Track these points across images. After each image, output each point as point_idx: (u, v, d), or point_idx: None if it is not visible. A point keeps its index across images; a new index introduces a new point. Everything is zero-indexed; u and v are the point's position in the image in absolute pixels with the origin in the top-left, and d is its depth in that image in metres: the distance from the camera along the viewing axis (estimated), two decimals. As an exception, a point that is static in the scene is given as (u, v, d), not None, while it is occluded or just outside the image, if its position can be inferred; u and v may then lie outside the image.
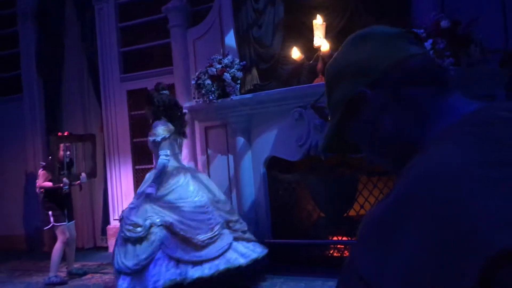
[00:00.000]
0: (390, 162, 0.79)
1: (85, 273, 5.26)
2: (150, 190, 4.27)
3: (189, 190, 4.34)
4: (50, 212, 5.08)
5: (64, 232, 5.08)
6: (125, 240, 4.18)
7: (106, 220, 6.67)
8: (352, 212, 5.00)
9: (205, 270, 4.02)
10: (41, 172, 5.16)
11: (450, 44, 4.00)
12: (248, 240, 4.44)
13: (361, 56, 0.79)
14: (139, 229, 4.14)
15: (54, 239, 5.58)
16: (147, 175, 4.52)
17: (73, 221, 5.34)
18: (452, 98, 0.73)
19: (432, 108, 0.72)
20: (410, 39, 0.80)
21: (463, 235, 0.51)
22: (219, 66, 5.06)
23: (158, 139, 4.39)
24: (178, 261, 4.06)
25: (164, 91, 4.59)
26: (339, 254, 4.88)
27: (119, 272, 4.10)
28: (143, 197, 4.30)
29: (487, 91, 4.01)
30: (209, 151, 5.60)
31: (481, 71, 4.02)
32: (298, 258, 5.03)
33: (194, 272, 3.99)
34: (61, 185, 5.06)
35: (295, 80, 4.99)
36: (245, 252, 4.29)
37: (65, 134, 5.35)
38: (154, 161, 4.60)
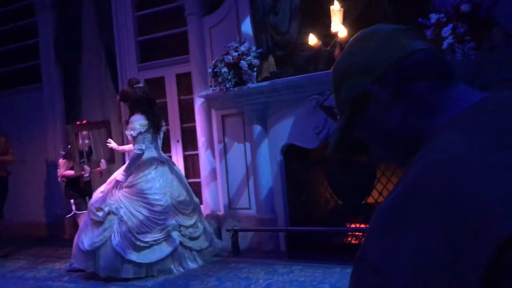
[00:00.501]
0: (397, 157, 0.80)
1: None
2: (120, 178, 4.65)
3: (155, 186, 4.65)
4: (72, 201, 5.18)
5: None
6: (91, 220, 4.64)
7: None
8: (370, 200, 4.97)
9: (139, 274, 4.45)
10: (61, 161, 5.24)
11: (470, 28, 3.91)
12: (191, 250, 4.71)
13: (365, 54, 0.80)
14: (99, 213, 4.57)
15: (75, 227, 5.67)
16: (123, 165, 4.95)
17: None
18: (456, 90, 0.74)
19: (436, 102, 0.73)
20: (413, 35, 0.81)
21: (470, 220, 0.51)
22: (235, 53, 5.05)
23: (135, 133, 4.68)
24: (121, 257, 4.43)
25: (138, 85, 4.84)
26: (357, 242, 4.87)
27: (78, 247, 4.59)
28: (113, 184, 4.70)
29: (510, 74, 3.92)
30: (226, 139, 5.61)
31: (504, 54, 3.93)
32: (316, 246, 5.04)
33: (128, 273, 4.42)
34: (83, 173, 5.13)
35: (312, 67, 4.95)
36: (182, 264, 4.61)
37: (84, 122, 5.41)
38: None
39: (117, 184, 4.65)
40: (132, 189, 4.62)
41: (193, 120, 5.92)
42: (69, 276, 4.89)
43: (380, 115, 0.79)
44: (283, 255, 4.84)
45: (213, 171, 5.71)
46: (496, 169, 0.54)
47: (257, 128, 5.23)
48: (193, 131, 6.02)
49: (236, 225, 5.30)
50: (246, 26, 5.37)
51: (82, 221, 5.15)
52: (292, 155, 5.13)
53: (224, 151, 5.60)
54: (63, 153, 5.41)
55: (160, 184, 4.67)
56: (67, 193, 5.25)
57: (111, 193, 4.64)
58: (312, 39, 4.73)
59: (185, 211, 4.77)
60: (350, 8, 4.72)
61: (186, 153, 6.23)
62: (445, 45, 3.97)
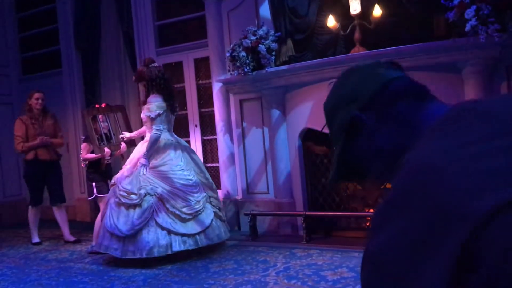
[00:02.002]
0: (390, 173, 0.87)
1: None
2: (143, 161, 4.64)
3: (179, 164, 4.70)
4: (93, 184, 5.25)
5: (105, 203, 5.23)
6: (118, 205, 4.56)
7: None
8: (389, 185, 4.93)
9: (189, 245, 4.45)
10: (83, 145, 5.31)
11: (495, 10, 3.81)
12: (221, 220, 4.82)
13: (350, 87, 0.93)
14: (133, 196, 4.50)
15: (97, 209, 5.78)
16: (138, 145, 4.97)
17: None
18: (432, 106, 0.85)
19: (415, 119, 0.84)
20: (389, 66, 0.95)
21: (443, 207, 0.59)
22: (253, 37, 5.01)
23: (153, 115, 4.67)
24: (169, 232, 4.42)
25: (153, 64, 4.82)
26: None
27: (111, 234, 4.49)
28: (138, 167, 4.66)
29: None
30: (244, 124, 5.60)
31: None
32: (334, 230, 5.04)
33: (180, 246, 4.41)
34: (104, 154, 5.18)
35: (331, 50, 4.89)
36: (217, 233, 4.66)
37: (103, 105, 5.45)
38: (147, 133, 4.87)
39: (143, 167, 4.66)
40: (159, 171, 4.65)
41: (211, 105, 5.93)
42: (90, 258, 4.99)
43: (370, 137, 0.89)
44: (301, 239, 4.86)
45: (231, 156, 5.72)
46: (461, 163, 0.61)
47: (276, 113, 5.21)
48: (211, 115, 6.03)
49: (254, 209, 5.33)
50: (265, 10, 5.33)
51: (103, 204, 5.23)
52: (310, 140, 5.11)
53: (242, 136, 5.60)
54: (83, 137, 5.48)
55: (183, 162, 4.74)
56: (89, 176, 5.33)
57: (139, 175, 4.63)
58: (331, 21, 4.67)
59: (211, 186, 4.90)
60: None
61: (204, 137, 6.25)
62: (468, 27, 3.88)
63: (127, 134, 5.17)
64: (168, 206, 4.50)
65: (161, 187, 4.56)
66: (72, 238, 5.71)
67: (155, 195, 4.52)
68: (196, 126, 6.25)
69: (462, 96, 4.13)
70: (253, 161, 5.54)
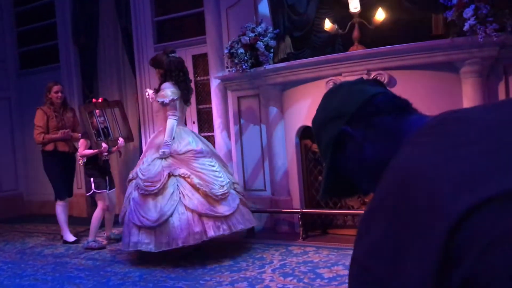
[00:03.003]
0: (375, 183, 0.89)
1: (122, 239, 5.43)
2: (165, 148, 4.43)
3: (200, 149, 4.51)
4: (91, 179, 5.22)
5: (104, 199, 5.23)
6: (144, 196, 4.34)
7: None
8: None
9: (223, 230, 4.26)
10: (80, 141, 5.29)
11: (493, 9, 3.81)
12: (246, 206, 4.69)
13: (336, 103, 0.98)
14: (157, 183, 4.30)
15: (94, 205, 5.76)
16: (151, 137, 4.86)
17: (114, 189, 5.49)
18: (413, 118, 0.90)
19: (398, 130, 0.88)
20: (372, 83, 1.01)
21: (419, 211, 0.62)
22: (252, 34, 5.00)
23: (167, 100, 4.51)
24: (200, 215, 4.22)
25: (173, 54, 4.71)
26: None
27: (140, 228, 4.26)
28: (156, 155, 4.47)
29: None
30: (242, 121, 5.60)
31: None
32: (330, 228, 5.05)
33: (215, 231, 4.22)
34: (102, 149, 5.15)
35: (330, 48, 4.89)
36: (248, 218, 4.54)
37: (100, 100, 5.42)
38: (159, 124, 4.75)
39: (163, 155, 4.43)
40: (180, 157, 4.44)
41: (209, 102, 5.92)
42: (86, 253, 4.99)
43: (356, 149, 0.93)
44: (298, 237, 4.87)
45: (229, 153, 5.72)
46: (439, 167, 0.64)
47: (273, 110, 5.21)
48: (209, 112, 6.03)
49: (251, 206, 5.33)
50: (263, 7, 5.32)
51: (101, 200, 5.22)
52: (308, 138, 5.11)
53: (240, 133, 5.60)
54: (79, 135, 5.44)
55: (203, 149, 4.56)
56: (87, 171, 5.31)
57: (160, 163, 4.43)
58: (328, 24, 4.66)
59: (230, 171, 4.80)
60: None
61: (202, 134, 6.24)
62: (466, 26, 3.88)
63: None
64: (195, 183, 4.29)
65: (184, 169, 4.37)
66: (72, 238, 5.51)
67: (178, 175, 4.32)
68: (193, 122, 6.24)
69: (459, 95, 4.14)
70: (250, 158, 5.54)
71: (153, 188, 4.30)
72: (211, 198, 4.29)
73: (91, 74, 7.09)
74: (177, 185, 4.31)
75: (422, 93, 4.12)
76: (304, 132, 5.11)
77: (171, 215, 4.19)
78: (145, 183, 4.35)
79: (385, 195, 0.71)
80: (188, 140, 4.54)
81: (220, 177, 4.46)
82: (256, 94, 5.43)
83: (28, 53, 7.84)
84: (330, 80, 4.67)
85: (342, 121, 0.94)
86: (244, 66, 5.02)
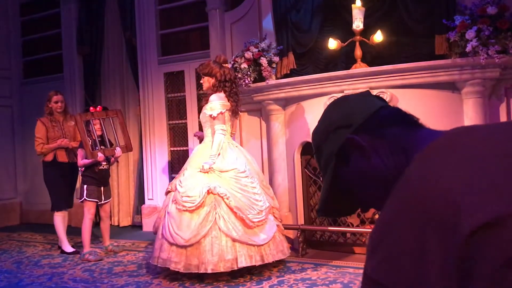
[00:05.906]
0: (383, 199, 0.87)
1: (120, 250, 5.40)
2: (208, 164, 4.21)
3: (243, 169, 4.29)
4: (85, 186, 5.20)
5: (90, 209, 5.19)
6: (180, 212, 4.12)
7: (141, 200, 6.80)
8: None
9: (255, 261, 4.05)
10: (78, 150, 5.28)
11: (496, 30, 3.84)
12: (282, 233, 4.45)
13: (341, 113, 0.95)
14: (196, 198, 4.09)
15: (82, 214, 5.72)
16: (195, 149, 4.62)
17: (109, 200, 5.46)
18: (423, 132, 0.88)
19: (408, 143, 0.86)
20: (376, 97, 0.99)
21: (435, 223, 0.62)
22: (255, 50, 5.04)
23: (215, 113, 4.33)
24: (234, 240, 4.02)
25: (226, 64, 4.58)
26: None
27: (171, 245, 4.08)
28: (198, 168, 4.26)
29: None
30: (243, 135, 5.61)
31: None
32: (329, 245, 5.02)
33: (246, 261, 4.02)
34: (98, 159, 5.11)
35: (332, 65, 4.92)
36: (281, 249, 4.28)
37: (98, 109, 5.39)
38: (205, 135, 4.54)
39: (204, 170, 4.21)
40: (222, 175, 4.23)
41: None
42: (83, 264, 4.96)
43: (363, 161, 0.89)
44: (297, 253, 4.83)
45: (229, 167, 5.70)
46: (455, 181, 0.64)
47: (275, 125, 5.22)
48: (210, 125, 6.03)
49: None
50: (267, 23, 5.36)
51: (88, 209, 5.18)
52: (309, 153, 5.11)
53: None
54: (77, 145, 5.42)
55: (247, 169, 4.33)
56: (83, 178, 5.29)
57: (201, 178, 4.21)
58: (332, 43, 4.69)
59: (271, 194, 4.55)
60: (374, 6, 4.67)
61: (203, 147, 6.24)
62: (468, 47, 3.91)
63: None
64: (232, 206, 4.07)
65: (224, 188, 4.14)
66: (71, 249, 5.47)
67: (218, 194, 4.09)
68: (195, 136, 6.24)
69: (461, 115, 4.15)
70: (251, 173, 5.52)
71: (191, 204, 4.08)
72: (247, 223, 4.10)
73: (94, 85, 7.13)
74: (215, 204, 4.09)
75: (424, 112, 4.11)
76: (305, 148, 5.11)
77: (204, 236, 4.01)
78: (183, 198, 4.14)
79: (401, 208, 0.69)
80: (233, 157, 4.34)
81: (260, 201, 4.24)
82: (258, 109, 5.44)
83: (32, 63, 7.89)
84: (332, 97, 4.68)
85: (349, 130, 0.91)
86: (246, 81, 5.05)
